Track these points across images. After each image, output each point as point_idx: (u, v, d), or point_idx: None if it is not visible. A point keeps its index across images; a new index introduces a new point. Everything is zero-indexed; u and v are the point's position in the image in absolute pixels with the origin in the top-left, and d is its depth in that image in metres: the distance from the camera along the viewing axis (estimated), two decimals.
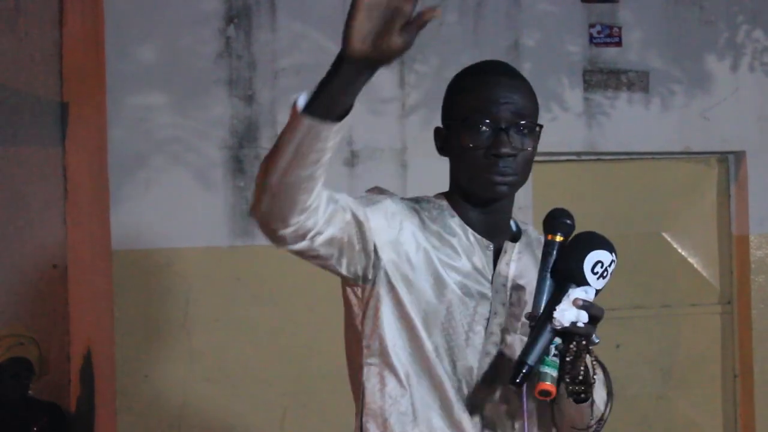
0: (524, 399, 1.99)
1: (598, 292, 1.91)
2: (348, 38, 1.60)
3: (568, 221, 1.96)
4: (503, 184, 2.01)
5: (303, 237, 1.86)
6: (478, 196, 2.05)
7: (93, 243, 4.85)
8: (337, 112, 1.76)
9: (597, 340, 1.89)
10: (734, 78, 5.49)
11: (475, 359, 2.02)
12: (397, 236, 2.00)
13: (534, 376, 1.84)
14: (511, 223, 2.16)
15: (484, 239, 2.07)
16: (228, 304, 4.76)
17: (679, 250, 5.58)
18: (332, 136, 1.78)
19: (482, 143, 1.99)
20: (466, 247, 2.05)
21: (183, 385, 4.71)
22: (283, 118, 4.84)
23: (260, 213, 1.82)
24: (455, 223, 2.07)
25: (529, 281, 2.03)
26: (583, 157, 5.41)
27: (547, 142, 5.37)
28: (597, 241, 1.92)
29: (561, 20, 5.25)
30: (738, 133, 5.51)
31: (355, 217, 1.94)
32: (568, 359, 1.85)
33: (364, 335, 2.03)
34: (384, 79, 4.95)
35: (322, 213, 1.87)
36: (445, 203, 2.11)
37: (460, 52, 4.98)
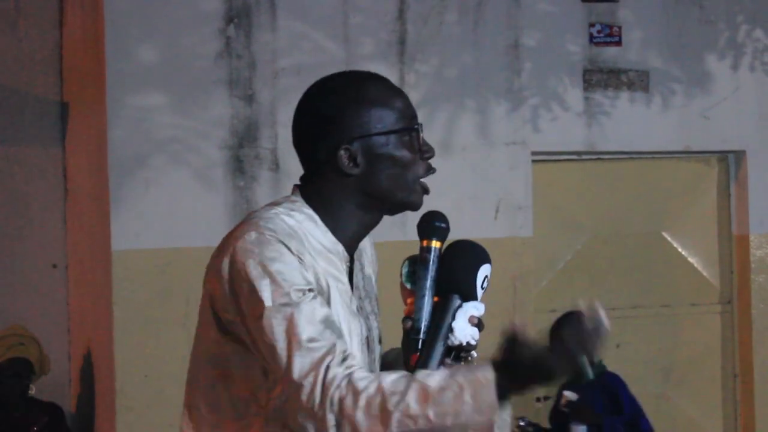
0: None
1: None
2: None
3: (443, 225, 1.88)
4: (427, 190, 1.94)
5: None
6: (408, 205, 1.91)
7: (93, 243, 4.85)
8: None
9: (475, 355, 1.84)
10: (734, 77, 5.48)
11: None
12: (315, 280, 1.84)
13: None
14: None
15: (345, 252, 1.92)
16: None
17: (679, 250, 5.58)
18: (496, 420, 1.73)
19: (421, 150, 1.91)
20: (340, 266, 1.91)
21: (183, 384, 4.69)
22: (283, 117, 4.84)
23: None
24: (330, 240, 1.91)
25: (368, 289, 1.98)
26: (584, 157, 5.40)
27: (547, 141, 5.41)
28: (483, 254, 1.87)
29: (561, 20, 5.25)
30: (738, 132, 5.50)
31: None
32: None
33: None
34: None
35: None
36: (313, 216, 1.95)
37: (460, 52, 4.98)
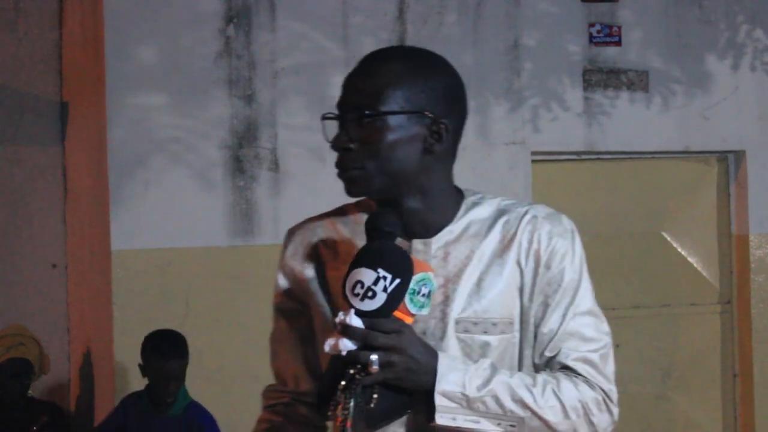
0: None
1: (378, 312, 1.71)
2: None
3: (381, 228, 1.76)
4: (348, 180, 1.85)
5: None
6: (368, 217, 1.83)
7: (93, 243, 4.85)
8: None
9: (375, 365, 1.70)
10: (734, 77, 5.49)
11: None
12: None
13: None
14: (464, 206, 1.93)
15: (405, 239, 1.87)
16: (227, 304, 4.76)
17: (679, 250, 5.58)
18: None
19: (332, 137, 1.86)
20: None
21: None
22: (282, 117, 4.84)
23: None
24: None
25: (466, 273, 1.86)
26: (583, 157, 5.41)
27: (547, 141, 5.41)
28: (361, 257, 1.73)
29: (561, 20, 5.25)
30: (738, 132, 5.51)
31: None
32: (345, 387, 1.69)
33: None
34: None
35: None
36: (372, 206, 1.96)
37: (460, 52, 4.98)
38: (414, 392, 1.77)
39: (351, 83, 1.84)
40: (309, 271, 1.96)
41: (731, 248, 5.60)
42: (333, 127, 1.86)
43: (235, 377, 4.76)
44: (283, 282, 2.03)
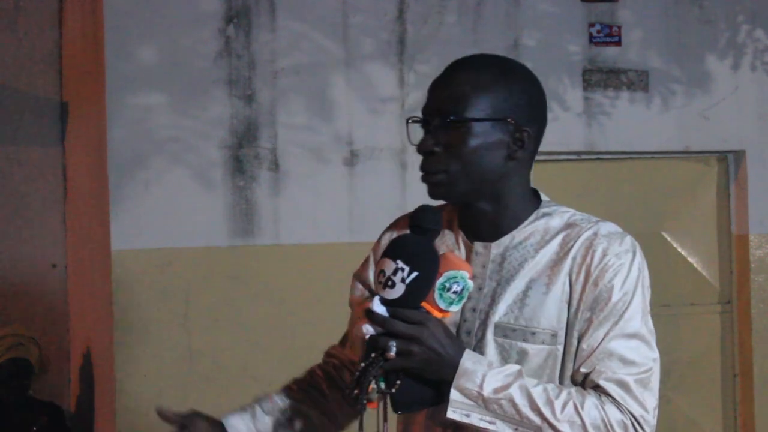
0: (361, 415, 1.84)
1: (399, 301, 1.78)
2: None
3: (423, 224, 1.84)
4: (432, 184, 1.90)
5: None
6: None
7: (93, 243, 4.85)
8: None
9: (391, 351, 1.76)
10: (734, 77, 5.49)
11: None
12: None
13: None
14: (535, 215, 1.97)
15: (469, 241, 1.95)
16: (227, 304, 4.76)
17: (679, 250, 5.58)
18: None
19: (416, 141, 1.92)
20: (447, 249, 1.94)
21: (183, 384, 4.70)
22: (282, 117, 4.84)
23: None
24: (452, 224, 1.99)
25: (514, 282, 1.89)
26: (583, 157, 5.41)
27: (546, 141, 5.38)
28: (388, 248, 1.83)
29: (561, 20, 5.25)
30: (738, 132, 5.51)
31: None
32: (367, 370, 1.76)
33: None
34: (384, 78, 4.95)
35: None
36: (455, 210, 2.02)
37: (460, 52, 4.95)
38: (441, 387, 1.82)
39: (437, 89, 1.93)
40: None
41: (731, 248, 5.60)
42: (416, 131, 1.93)
43: (234, 377, 4.76)
44: (371, 258, 2.09)
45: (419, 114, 1.95)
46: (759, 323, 5.52)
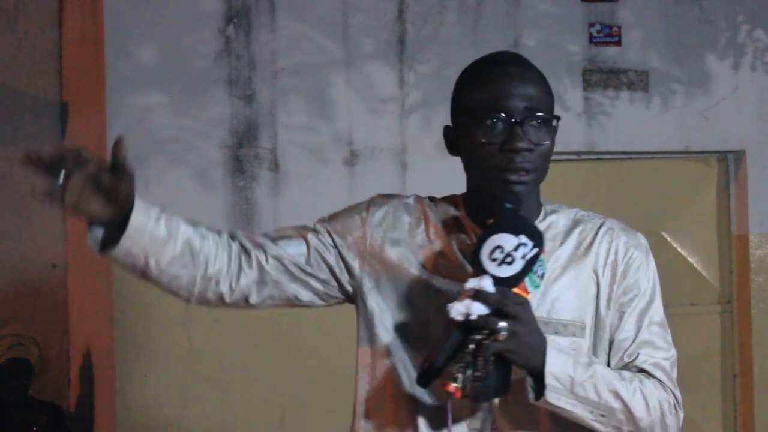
0: (448, 404, 1.82)
1: (505, 280, 1.72)
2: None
3: (507, 204, 1.81)
4: (519, 182, 1.87)
5: (221, 301, 1.98)
6: (494, 197, 1.87)
7: None
8: (101, 244, 1.87)
9: (503, 331, 1.70)
10: (734, 77, 5.49)
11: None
12: (369, 248, 1.97)
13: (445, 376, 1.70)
14: (543, 212, 2.02)
15: (467, 223, 1.96)
16: None
17: (679, 250, 5.58)
18: (120, 258, 1.88)
19: (495, 138, 1.86)
20: (465, 248, 1.92)
21: (183, 385, 4.71)
22: (282, 117, 4.85)
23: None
24: (456, 215, 1.97)
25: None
26: (583, 157, 5.41)
27: None
28: (504, 224, 1.75)
29: (561, 20, 5.25)
30: (738, 132, 5.51)
31: (295, 261, 1.96)
32: (467, 354, 1.68)
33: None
34: (384, 78, 4.95)
35: (229, 282, 1.97)
36: (458, 201, 2.01)
37: (460, 52, 4.98)
38: (508, 374, 1.78)
39: (518, 87, 1.89)
40: (388, 251, 1.97)
41: (731, 248, 5.60)
42: (483, 128, 1.88)
43: (235, 377, 4.76)
44: (349, 230, 1.99)
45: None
46: (759, 323, 5.52)
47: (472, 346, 1.68)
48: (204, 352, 4.72)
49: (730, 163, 5.61)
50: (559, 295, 1.91)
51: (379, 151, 4.93)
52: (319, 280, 1.99)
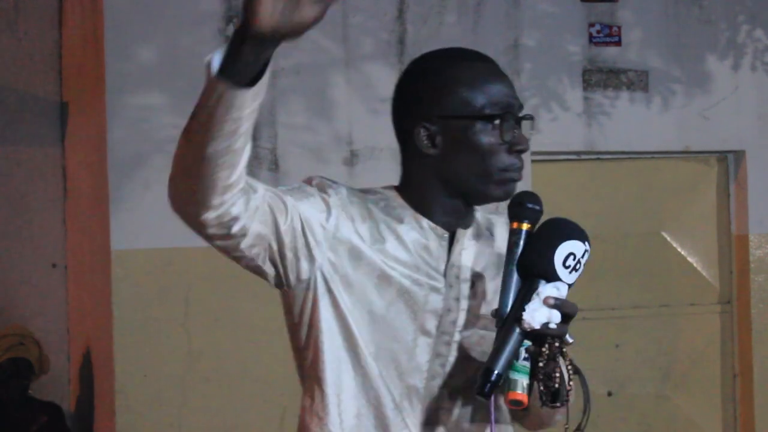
0: (492, 411, 1.76)
1: (570, 286, 1.72)
2: (254, 12, 1.53)
3: (536, 207, 1.77)
4: (515, 180, 1.86)
5: (228, 228, 1.73)
6: (486, 197, 1.86)
7: (93, 243, 4.85)
8: (250, 77, 1.68)
9: (571, 340, 1.72)
10: (734, 77, 5.49)
11: (424, 361, 1.83)
12: (334, 231, 1.82)
13: (503, 383, 1.67)
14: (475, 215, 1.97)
15: (439, 227, 1.87)
16: (227, 304, 4.75)
17: (679, 250, 5.58)
18: (247, 103, 1.66)
19: (504, 139, 1.83)
20: (415, 238, 1.85)
21: (182, 384, 4.70)
22: (282, 117, 4.84)
23: (177, 193, 1.75)
24: (406, 213, 1.87)
25: (488, 272, 1.88)
26: (583, 157, 5.41)
27: (546, 141, 5.41)
28: (568, 230, 1.73)
29: (561, 20, 5.25)
30: (738, 132, 5.51)
31: (273, 212, 1.78)
32: (540, 364, 1.66)
33: (301, 344, 1.90)
34: (383, 78, 4.95)
35: (245, 202, 1.73)
36: (393, 193, 1.90)
37: None
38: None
39: (506, 86, 1.89)
40: (349, 234, 1.85)
41: (731, 248, 5.59)
42: (491, 129, 1.85)
43: (235, 377, 4.76)
44: (317, 209, 1.84)
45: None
46: (759, 323, 5.52)
47: (545, 354, 1.67)
48: (203, 352, 4.72)
49: (730, 163, 5.61)
50: (492, 289, 1.87)
51: (379, 151, 4.93)
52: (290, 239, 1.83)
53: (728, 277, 5.61)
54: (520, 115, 1.87)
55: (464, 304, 1.86)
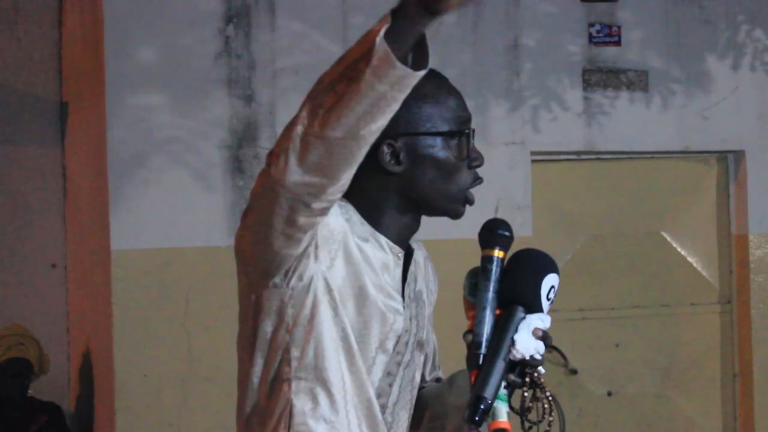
0: None
1: None
2: None
3: (506, 233, 1.78)
4: (471, 199, 1.89)
5: (330, 204, 1.69)
6: (447, 213, 1.87)
7: (93, 243, 4.86)
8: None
9: (543, 371, 1.74)
10: (734, 77, 5.49)
11: (376, 379, 1.86)
12: (333, 241, 1.81)
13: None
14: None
15: (395, 246, 1.88)
16: (227, 304, 4.73)
17: (679, 250, 5.58)
18: (413, 83, 1.59)
19: (465, 155, 1.84)
20: (379, 258, 1.86)
21: (182, 384, 4.70)
22: (282, 117, 4.84)
23: (307, 167, 1.62)
24: (366, 231, 1.85)
25: (424, 296, 1.95)
26: (583, 157, 5.41)
27: (546, 141, 5.41)
28: (547, 263, 1.77)
29: (561, 20, 5.25)
30: (737, 132, 5.51)
31: None
32: (526, 394, 1.71)
33: (294, 344, 1.84)
34: None
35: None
36: (351, 208, 1.86)
37: (460, 52, 4.98)
38: None
39: (461, 101, 1.89)
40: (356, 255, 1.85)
41: (731, 248, 5.60)
42: (452, 145, 1.86)
43: (234, 377, 4.75)
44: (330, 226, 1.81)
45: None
46: (759, 323, 5.52)
47: (527, 383, 1.72)
48: (203, 352, 4.72)
49: (729, 162, 5.61)
50: (428, 313, 1.97)
51: None
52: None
53: (728, 277, 5.61)
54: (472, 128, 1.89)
55: (414, 325, 1.91)
